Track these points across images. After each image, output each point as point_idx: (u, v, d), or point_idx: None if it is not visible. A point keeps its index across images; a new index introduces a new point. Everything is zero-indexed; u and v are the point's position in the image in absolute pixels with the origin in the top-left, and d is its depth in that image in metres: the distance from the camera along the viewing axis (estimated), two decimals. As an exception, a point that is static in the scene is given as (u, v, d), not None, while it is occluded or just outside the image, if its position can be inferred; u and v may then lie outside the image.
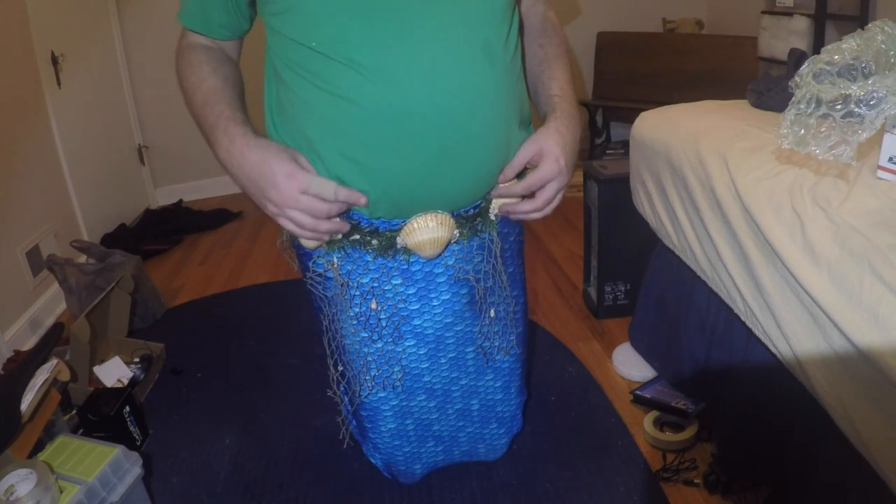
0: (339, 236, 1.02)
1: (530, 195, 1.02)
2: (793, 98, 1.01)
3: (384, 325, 1.12)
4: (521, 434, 1.49)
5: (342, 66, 0.86)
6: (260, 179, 0.89)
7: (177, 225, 3.24)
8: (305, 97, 0.92)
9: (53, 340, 1.50)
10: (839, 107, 0.93)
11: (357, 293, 1.09)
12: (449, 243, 1.05)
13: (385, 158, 0.91)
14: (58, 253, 2.34)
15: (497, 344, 1.22)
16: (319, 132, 0.93)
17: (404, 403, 1.22)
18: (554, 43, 1.08)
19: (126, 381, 1.82)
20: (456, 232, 1.04)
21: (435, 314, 1.14)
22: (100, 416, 1.55)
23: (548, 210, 1.02)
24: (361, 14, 0.84)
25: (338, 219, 0.96)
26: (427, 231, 1.00)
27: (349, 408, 1.30)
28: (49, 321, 2.35)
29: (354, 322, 1.12)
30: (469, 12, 0.89)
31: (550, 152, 0.97)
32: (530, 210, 1.02)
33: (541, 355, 1.95)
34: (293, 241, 1.07)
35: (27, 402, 1.32)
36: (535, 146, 0.99)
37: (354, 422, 1.36)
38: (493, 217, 1.08)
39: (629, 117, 1.90)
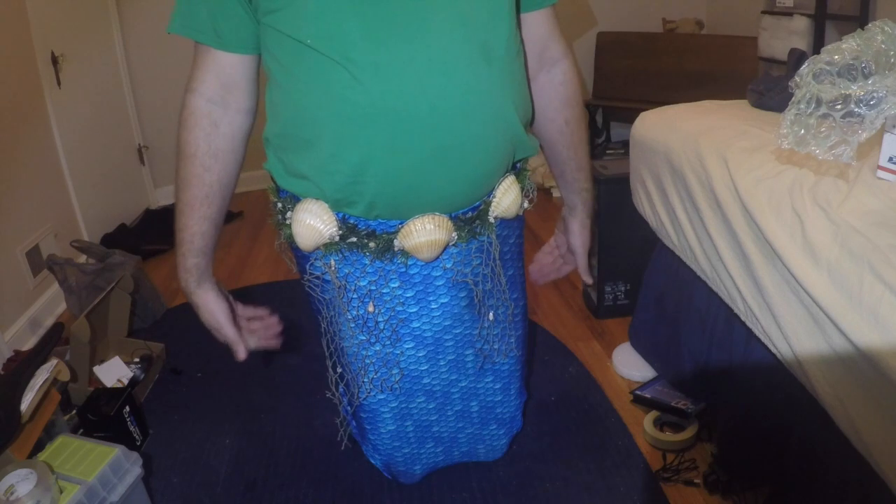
0: (337, 239, 1.02)
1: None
2: (793, 98, 1.01)
3: (382, 327, 1.12)
4: (521, 434, 1.49)
5: (336, 63, 0.86)
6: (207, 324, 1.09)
7: (177, 225, 3.24)
8: (299, 97, 0.91)
9: (53, 340, 1.50)
10: (839, 107, 0.93)
11: (355, 296, 1.09)
12: (447, 246, 1.05)
13: (379, 158, 0.91)
14: (58, 253, 2.34)
15: (496, 346, 1.22)
16: (314, 133, 0.92)
17: (403, 405, 1.21)
18: (578, 117, 1.13)
19: (126, 381, 1.82)
20: (454, 234, 1.04)
21: (433, 317, 1.13)
22: (100, 416, 1.55)
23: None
24: (358, 10, 0.84)
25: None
26: (424, 233, 0.99)
27: (348, 409, 1.30)
28: (49, 321, 2.35)
29: (352, 325, 1.11)
30: (468, 12, 0.88)
31: (579, 254, 1.22)
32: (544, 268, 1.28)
33: (541, 356, 1.95)
34: (291, 243, 1.07)
35: (27, 402, 1.32)
36: (569, 242, 1.22)
37: (354, 423, 1.36)
38: (491, 219, 1.08)
39: (629, 117, 1.90)
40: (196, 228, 1.00)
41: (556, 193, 2.94)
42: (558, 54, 1.08)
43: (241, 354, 1.08)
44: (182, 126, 0.96)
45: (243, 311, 1.12)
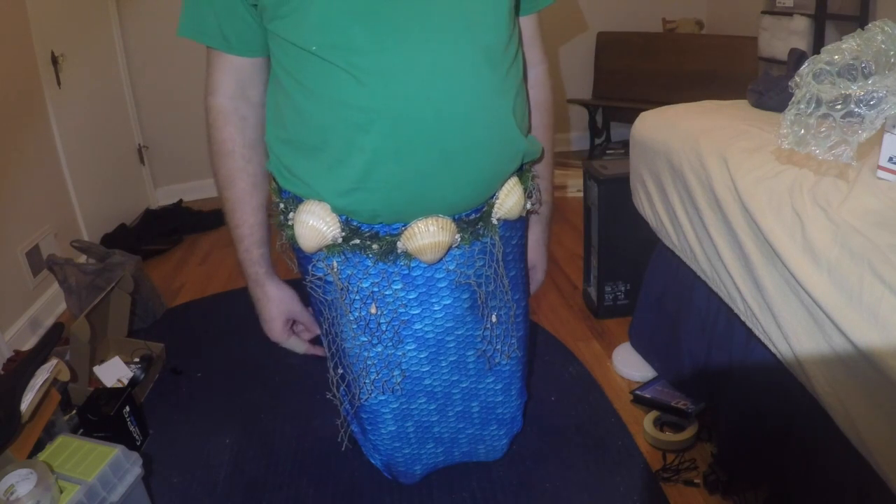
0: (340, 240, 1.02)
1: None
2: (793, 98, 1.01)
3: (384, 329, 1.12)
4: (521, 434, 1.49)
5: (342, 70, 0.85)
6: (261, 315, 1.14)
7: (177, 225, 3.24)
8: (304, 104, 0.91)
9: (53, 340, 1.50)
10: (839, 107, 0.93)
11: (357, 297, 1.09)
12: (450, 248, 1.04)
13: (384, 164, 0.91)
14: (58, 253, 2.34)
15: (498, 348, 1.22)
16: (319, 139, 0.92)
17: (405, 406, 1.21)
18: (546, 124, 1.15)
19: (126, 381, 1.82)
20: (457, 236, 1.03)
21: (436, 319, 1.13)
22: (100, 416, 1.55)
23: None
24: (362, 17, 0.84)
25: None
26: (428, 235, 0.99)
27: (349, 409, 1.30)
28: (49, 321, 2.35)
29: (354, 326, 1.11)
30: (471, 17, 0.88)
31: (538, 268, 1.28)
32: None
33: (541, 355, 1.95)
34: (293, 244, 1.07)
35: (27, 402, 1.33)
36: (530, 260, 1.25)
37: (354, 423, 1.36)
38: (494, 221, 1.08)
39: (629, 117, 1.90)
40: (253, 220, 1.03)
41: (556, 193, 2.93)
42: (536, 59, 1.10)
43: (317, 329, 1.14)
44: (213, 127, 0.98)
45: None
